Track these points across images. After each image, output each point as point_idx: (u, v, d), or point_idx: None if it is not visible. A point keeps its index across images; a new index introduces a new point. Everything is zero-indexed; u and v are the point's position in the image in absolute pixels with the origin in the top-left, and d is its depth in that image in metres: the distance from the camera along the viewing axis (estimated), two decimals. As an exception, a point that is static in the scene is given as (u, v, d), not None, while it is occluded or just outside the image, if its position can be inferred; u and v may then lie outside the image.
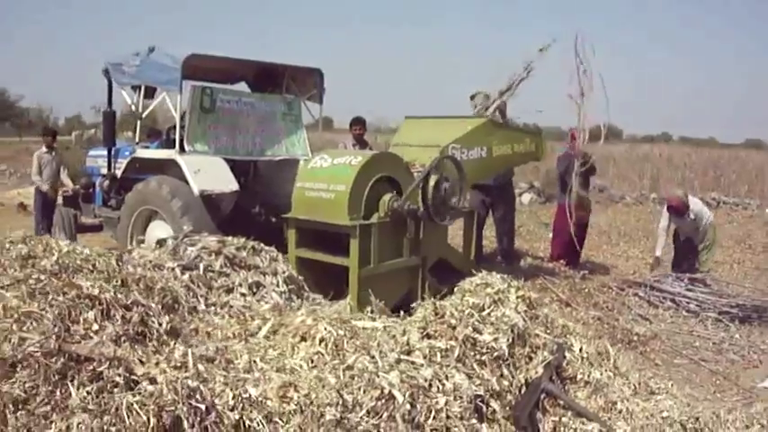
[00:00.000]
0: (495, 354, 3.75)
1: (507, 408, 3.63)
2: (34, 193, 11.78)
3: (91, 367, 2.96)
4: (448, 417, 3.16)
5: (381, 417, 2.99)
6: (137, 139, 9.44)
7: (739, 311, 8.63)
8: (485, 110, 8.59)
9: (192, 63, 8.20)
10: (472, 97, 9.07)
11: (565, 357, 4.27)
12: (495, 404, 3.53)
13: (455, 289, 4.51)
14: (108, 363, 2.95)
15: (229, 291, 5.01)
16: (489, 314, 3.97)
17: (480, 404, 3.47)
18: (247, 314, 4.48)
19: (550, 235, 11.51)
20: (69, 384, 2.86)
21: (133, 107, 9.18)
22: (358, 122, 10.64)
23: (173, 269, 4.94)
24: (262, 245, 5.71)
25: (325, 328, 3.62)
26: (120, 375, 2.88)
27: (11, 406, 2.84)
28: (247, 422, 2.76)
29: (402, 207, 6.68)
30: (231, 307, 4.71)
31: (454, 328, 3.76)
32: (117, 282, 4.07)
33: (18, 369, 2.98)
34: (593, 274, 10.15)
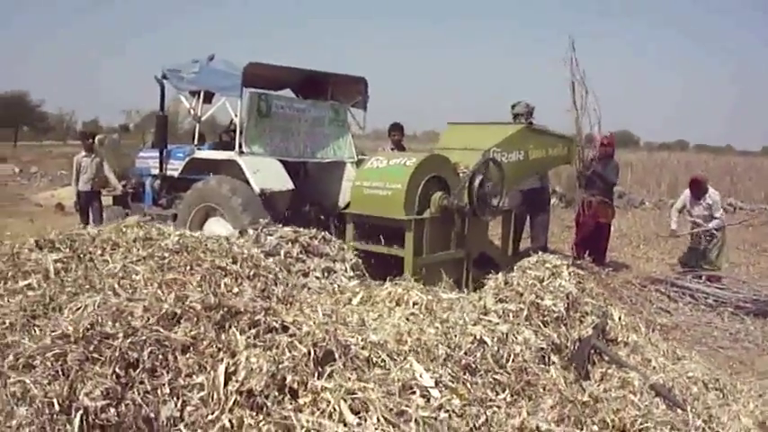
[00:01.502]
0: (555, 315, 4.66)
1: (565, 359, 4.53)
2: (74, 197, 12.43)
3: (246, 317, 3.86)
4: (524, 360, 4.07)
5: (476, 356, 3.89)
6: (195, 141, 10.24)
7: (754, 306, 9.52)
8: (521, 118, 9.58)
9: (250, 71, 9.05)
10: (513, 106, 10.02)
11: (608, 323, 5.19)
12: (554, 357, 4.42)
13: (515, 267, 5.41)
14: (263, 312, 3.86)
15: (305, 275, 5.78)
16: (548, 284, 4.89)
17: (544, 355, 4.37)
18: (336, 289, 5.36)
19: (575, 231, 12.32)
20: (234, 329, 3.74)
21: (191, 111, 10.02)
22: (396, 128, 11.51)
23: (258, 255, 5.77)
24: (331, 236, 6.58)
25: (417, 294, 4.53)
26: (275, 321, 3.78)
27: (179, 350, 3.69)
28: (375, 359, 3.64)
29: (451, 204, 7.56)
30: (309, 288, 5.53)
31: (521, 294, 4.68)
32: (230, 259, 4.96)
33: (181, 321, 3.86)
34: (616, 271, 10.93)
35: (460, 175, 7.96)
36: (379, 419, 3.13)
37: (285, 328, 3.76)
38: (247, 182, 8.80)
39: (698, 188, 11.05)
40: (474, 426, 3.32)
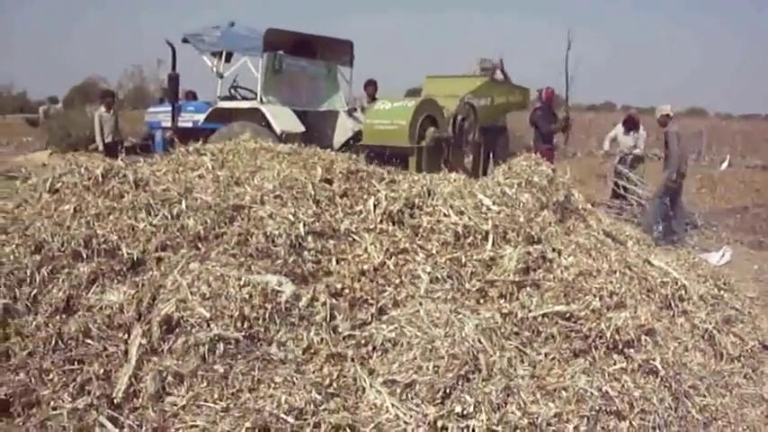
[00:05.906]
0: (541, 186, 8.11)
1: (553, 212, 7.99)
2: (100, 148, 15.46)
3: (376, 176, 7.37)
4: (529, 207, 7.52)
5: (503, 205, 7.37)
6: (218, 94, 13.39)
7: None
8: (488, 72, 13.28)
9: (268, 35, 12.38)
10: (483, 60, 13.65)
11: (572, 197, 8.77)
12: (543, 211, 7.87)
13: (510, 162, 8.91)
14: (386, 172, 7.40)
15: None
16: (534, 169, 8.34)
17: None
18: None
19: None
20: (372, 181, 7.20)
21: (214, 69, 13.23)
22: (371, 84, 15.01)
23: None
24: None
25: (455, 176, 7.98)
26: (394, 177, 7.31)
27: (339, 196, 7.05)
28: (450, 199, 7.09)
29: (441, 136, 11.08)
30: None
31: (519, 174, 8.13)
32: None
33: (333, 182, 7.25)
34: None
35: (445, 115, 11.46)
36: (470, 218, 6.63)
37: (399, 181, 7.27)
38: (267, 127, 12.05)
39: (632, 123, 15.08)
40: (517, 219, 6.85)
